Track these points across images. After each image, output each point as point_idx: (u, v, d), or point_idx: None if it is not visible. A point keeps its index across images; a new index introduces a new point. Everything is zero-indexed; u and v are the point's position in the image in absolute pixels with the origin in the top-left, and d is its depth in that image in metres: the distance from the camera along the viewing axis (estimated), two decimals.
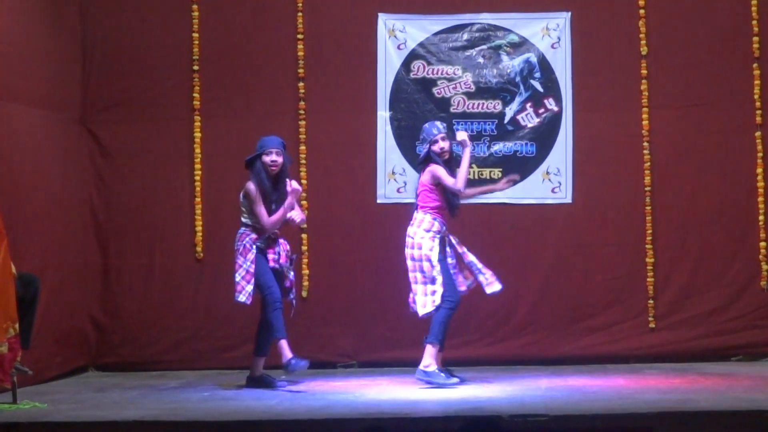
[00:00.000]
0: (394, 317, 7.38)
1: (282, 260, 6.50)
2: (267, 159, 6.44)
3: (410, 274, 6.57)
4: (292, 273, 6.61)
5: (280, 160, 6.45)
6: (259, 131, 7.08)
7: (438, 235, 6.48)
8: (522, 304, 7.67)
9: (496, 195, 7.57)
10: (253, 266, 6.39)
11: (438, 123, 6.61)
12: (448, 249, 6.55)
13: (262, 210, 6.42)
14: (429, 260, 6.35)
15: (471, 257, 6.59)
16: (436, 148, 6.47)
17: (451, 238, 6.60)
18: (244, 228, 6.50)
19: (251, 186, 6.44)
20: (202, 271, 7.70)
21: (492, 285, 6.50)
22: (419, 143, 6.73)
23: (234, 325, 7.57)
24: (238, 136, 7.64)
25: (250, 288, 6.45)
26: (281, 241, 6.56)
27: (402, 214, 7.23)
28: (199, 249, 7.70)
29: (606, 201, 7.67)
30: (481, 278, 6.50)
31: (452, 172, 6.52)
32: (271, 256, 6.46)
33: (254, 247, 6.40)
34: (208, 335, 7.65)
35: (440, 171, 6.42)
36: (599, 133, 7.71)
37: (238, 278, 6.44)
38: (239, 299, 6.44)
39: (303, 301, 7.59)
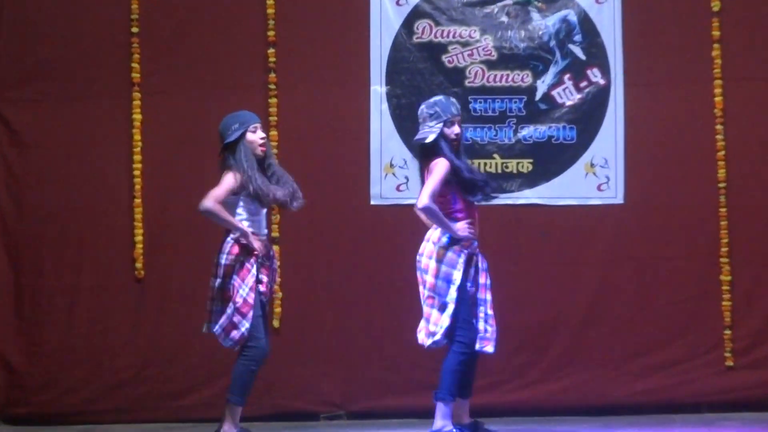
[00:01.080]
0: (393, 354, 6.97)
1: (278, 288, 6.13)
2: (254, 137, 5.87)
3: (424, 301, 5.93)
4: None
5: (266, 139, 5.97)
6: (216, 112, 6.50)
7: (465, 252, 5.82)
8: (560, 335, 7.17)
9: (524, 194, 7.11)
10: (253, 296, 5.76)
11: (455, 101, 6.03)
12: (471, 271, 5.87)
13: (221, 194, 5.78)
14: (448, 281, 5.75)
15: (488, 295, 5.93)
16: (450, 132, 5.85)
17: (481, 259, 5.92)
18: (232, 236, 5.86)
19: (230, 176, 5.82)
20: (144, 293, 7.21)
21: (486, 343, 5.90)
22: (425, 120, 5.98)
23: (185, 363, 7.12)
24: (189, 119, 7.15)
25: (246, 326, 5.75)
26: (274, 256, 6.02)
27: (403, 218, 6.76)
28: (139, 265, 7.19)
29: (668, 201, 7.18)
30: (479, 325, 5.90)
31: (463, 164, 5.91)
32: (265, 280, 5.88)
33: (255, 267, 5.78)
34: (152, 377, 7.19)
35: (441, 167, 5.75)
36: (658, 112, 7.18)
37: (230, 309, 5.78)
38: (227, 343, 5.80)
39: (275, 332, 6.96)
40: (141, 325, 7.20)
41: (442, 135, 5.83)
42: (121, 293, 7.20)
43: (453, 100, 6.02)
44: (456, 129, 5.86)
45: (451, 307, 5.75)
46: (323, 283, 7.15)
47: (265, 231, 5.99)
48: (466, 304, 5.85)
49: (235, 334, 5.78)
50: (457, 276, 5.74)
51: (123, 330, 7.19)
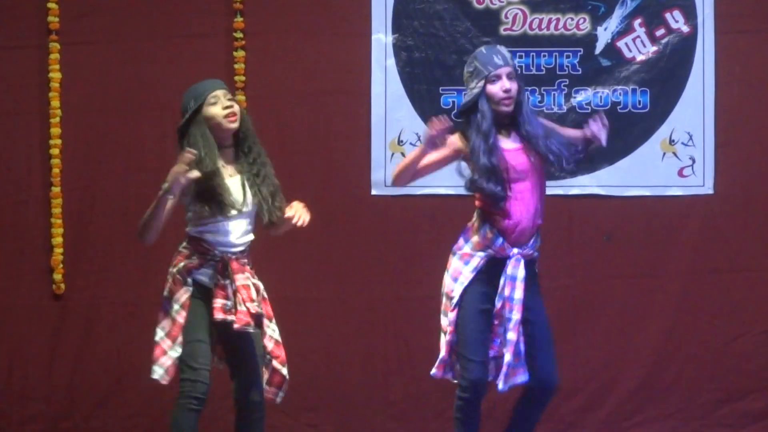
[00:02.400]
0: (401, 396, 6.44)
1: (247, 312, 5.33)
2: (215, 110, 5.19)
3: None
4: (272, 330, 5.41)
5: (236, 107, 5.22)
6: (160, 68, 6.30)
7: (481, 253, 5.15)
8: (627, 371, 6.62)
9: (579, 181, 6.59)
10: (185, 314, 5.23)
11: (502, 49, 5.31)
12: (502, 281, 5.18)
13: None
14: (449, 295, 5.25)
15: (515, 313, 5.26)
16: (495, 89, 5.14)
17: (513, 264, 5.24)
18: (185, 242, 5.30)
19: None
20: (65, 314, 6.63)
21: (515, 375, 5.32)
22: (467, 84, 5.43)
23: (121, 411, 6.58)
24: (124, 78, 6.60)
25: (174, 354, 5.31)
26: (247, 272, 5.35)
27: (415, 214, 6.52)
28: (58, 277, 6.63)
29: None
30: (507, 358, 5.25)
31: (522, 132, 5.23)
32: (220, 303, 5.21)
33: (190, 279, 5.16)
34: (77, 427, 6.61)
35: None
36: (763, 72, 6.59)
37: (158, 335, 5.37)
38: (153, 375, 5.33)
39: None
40: (60, 358, 6.65)
41: (486, 97, 5.15)
42: (34, 315, 6.67)
43: (500, 48, 5.34)
44: (505, 84, 5.09)
45: (447, 332, 5.24)
46: (307, 301, 6.67)
47: (237, 247, 5.28)
48: (472, 328, 5.16)
49: (163, 362, 5.28)
50: (457, 291, 5.13)
51: (36, 365, 6.65)
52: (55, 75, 6.57)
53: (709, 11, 6.59)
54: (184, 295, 5.26)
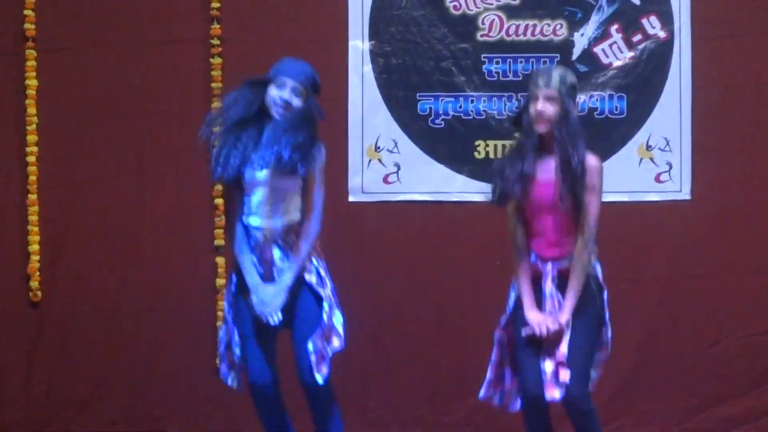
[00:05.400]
0: (381, 400, 6.47)
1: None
2: (276, 94, 5.55)
3: None
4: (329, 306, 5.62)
5: (296, 102, 5.52)
6: (137, 74, 6.38)
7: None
8: (604, 377, 5.94)
9: None
10: (230, 316, 5.57)
11: (556, 71, 5.44)
12: (543, 299, 5.35)
13: None
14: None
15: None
16: (531, 109, 5.41)
17: (545, 277, 5.38)
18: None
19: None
20: (42, 322, 6.64)
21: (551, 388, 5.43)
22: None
23: (101, 418, 6.61)
24: (101, 84, 6.63)
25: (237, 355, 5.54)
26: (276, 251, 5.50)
27: (393, 220, 6.55)
28: (34, 284, 6.64)
29: (752, 196, 6.68)
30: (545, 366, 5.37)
31: (565, 155, 5.28)
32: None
33: (235, 278, 5.54)
34: None
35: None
36: (741, 76, 6.67)
37: (220, 335, 5.73)
38: (227, 381, 5.66)
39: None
40: (38, 366, 6.69)
41: (525, 116, 5.43)
42: (11, 323, 6.69)
43: (554, 69, 5.50)
44: (538, 105, 5.30)
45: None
46: None
47: (263, 223, 5.49)
48: (520, 340, 5.36)
49: (230, 369, 5.65)
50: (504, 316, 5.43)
51: (13, 373, 6.68)
52: (32, 82, 6.71)
53: (685, 17, 6.70)
54: (229, 295, 5.64)
